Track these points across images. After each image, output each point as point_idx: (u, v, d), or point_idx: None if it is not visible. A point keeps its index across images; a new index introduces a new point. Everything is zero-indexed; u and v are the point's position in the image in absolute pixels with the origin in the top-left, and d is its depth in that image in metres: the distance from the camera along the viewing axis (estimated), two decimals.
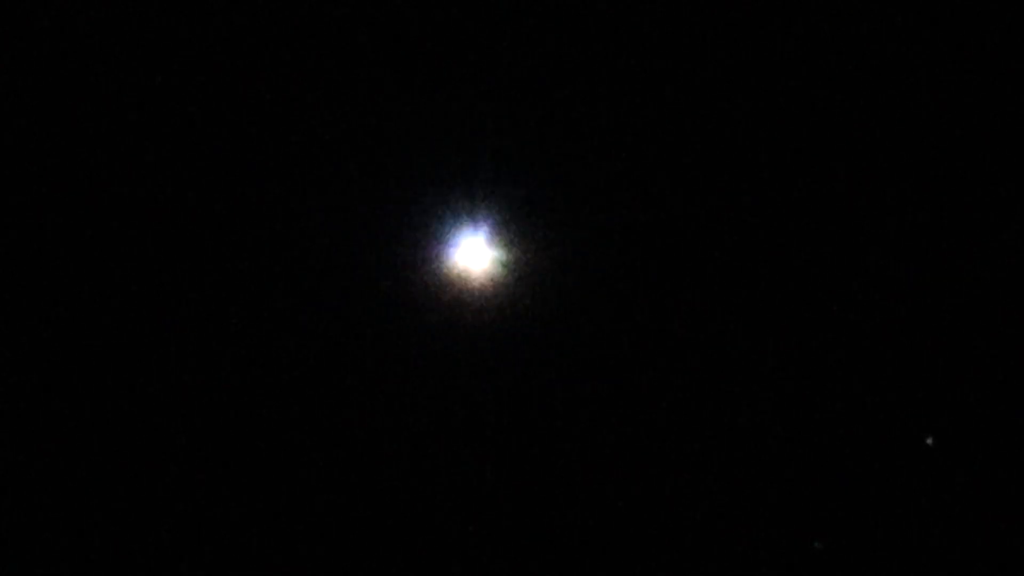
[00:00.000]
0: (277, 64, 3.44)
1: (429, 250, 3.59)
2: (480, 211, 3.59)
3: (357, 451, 3.68)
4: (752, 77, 3.50)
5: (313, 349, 3.63)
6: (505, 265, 3.62)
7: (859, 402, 3.69)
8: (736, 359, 3.70)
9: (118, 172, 3.47)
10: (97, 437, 3.55)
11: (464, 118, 3.54)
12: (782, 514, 3.71)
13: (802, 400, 3.70)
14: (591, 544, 3.74)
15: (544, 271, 3.65)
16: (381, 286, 3.58)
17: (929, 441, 3.60)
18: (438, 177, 3.56)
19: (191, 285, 3.53)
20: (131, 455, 3.56)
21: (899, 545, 3.66)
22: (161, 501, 3.58)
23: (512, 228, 3.61)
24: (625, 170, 3.62)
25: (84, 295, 3.50)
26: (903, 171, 3.60)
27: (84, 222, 3.47)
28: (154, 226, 3.49)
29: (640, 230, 3.65)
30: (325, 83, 3.47)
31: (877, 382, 3.70)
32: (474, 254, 3.62)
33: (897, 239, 3.64)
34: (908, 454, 3.66)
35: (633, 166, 3.62)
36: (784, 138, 3.57)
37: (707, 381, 3.71)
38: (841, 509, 3.70)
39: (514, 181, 3.60)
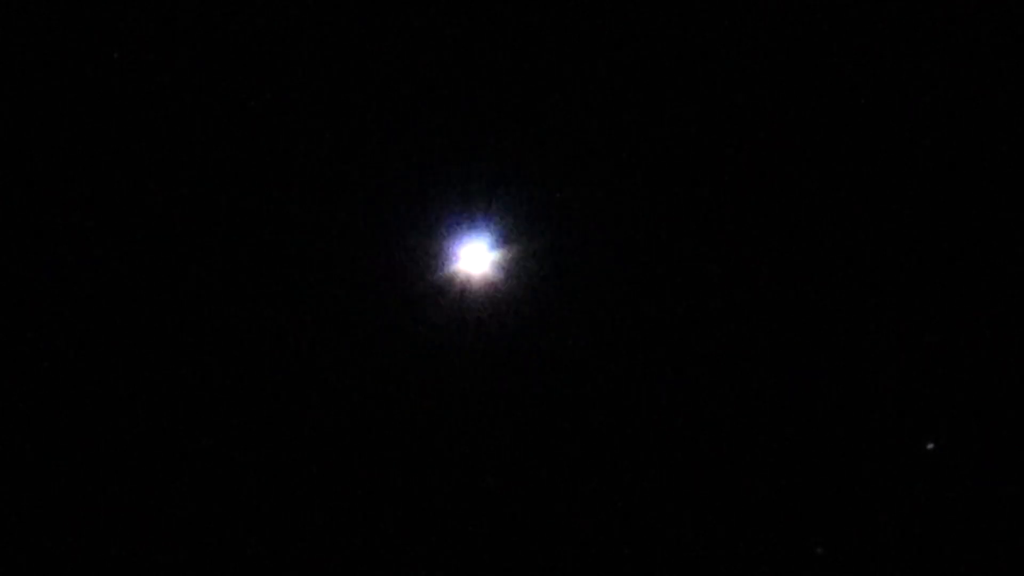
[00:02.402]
0: (280, 66, 3.44)
1: (431, 254, 3.59)
2: (482, 215, 3.59)
3: (358, 454, 3.68)
4: (751, 78, 3.49)
5: (315, 352, 3.63)
6: (507, 269, 3.62)
7: (858, 404, 3.69)
8: (739, 362, 3.70)
9: (117, 172, 3.48)
10: (96, 437, 3.55)
11: (466, 122, 3.53)
12: (783, 516, 3.71)
13: (804, 403, 3.70)
14: (591, 548, 3.74)
15: (546, 274, 3.65)
16: (383, 290, 3.57)
17: (930, 446, 3.59)
18: (440, 181, 3.56)
19: (195, 289, 3.53)
20: (129, 456, 3.57)
21: (898, 547, 3.65)
22: (159, 503, 3.58)
23: (514, 232, 3.61)
24: (627, 174, 3.61)
25: (82, 295, 3.51)
26: (903, 171, 3.60)
27: (83, 221, 3.48)
28: (154, 228, 3.49)
29: (643, 233, 3.64)
30: (328, 87, 3.47)
31: (876, 384, 3.69)
32: (476, 258, 3.62)
33: (897, 239, 3.63)
34: (907, 457, 3.66)
35: (635, 170, 3.61)
36: (785, 140, 3.56)
37: (709, 384, 3.71)
38: (841, 512, 3.69)
39: (516, 185, 3.60)
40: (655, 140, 3.57)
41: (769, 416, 3.70)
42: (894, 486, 3.67)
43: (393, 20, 3.41)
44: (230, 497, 3.63)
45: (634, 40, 3.46)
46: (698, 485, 3.72)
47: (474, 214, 3.58)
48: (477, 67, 3.47)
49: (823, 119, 3.55)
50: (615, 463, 3.74)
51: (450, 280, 3.60)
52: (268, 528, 3.65)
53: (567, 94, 3.52)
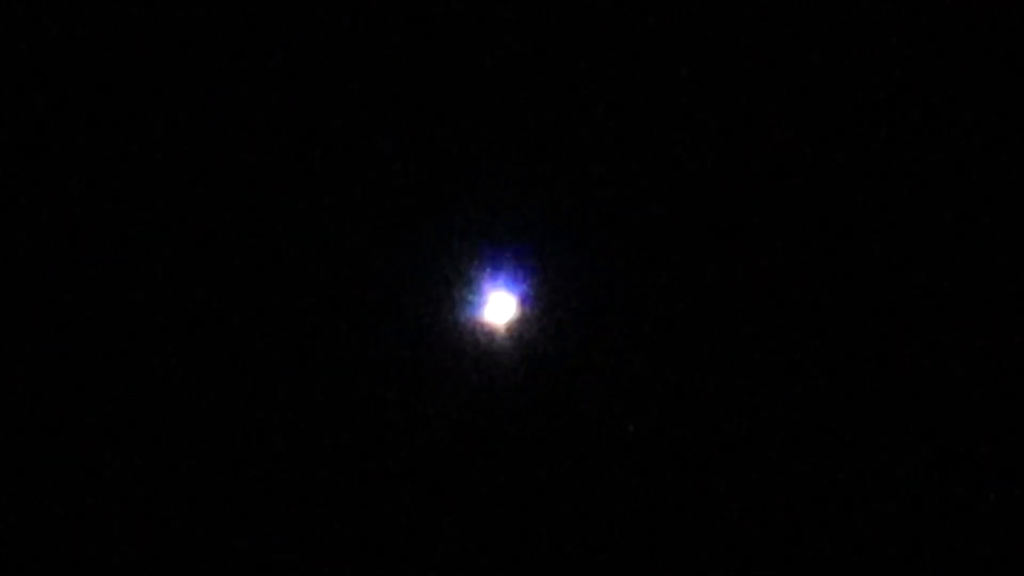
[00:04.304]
0: (307, 131, 3.42)
1: (455, 307, 3.55)
2: (508, 266, 3.55)
3: (373, 510, 3.64)
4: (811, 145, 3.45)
5: (334, 409, 3.58)
6: (532, 321, 3.57)
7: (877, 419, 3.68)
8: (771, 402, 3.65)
9: (119, 182, 3.47)
10: (94, 437, 3.56)
11: (490, 172, 3.50)
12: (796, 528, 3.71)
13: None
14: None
15: (573, 327, 3.59)
16: (405, 343, 3.53)
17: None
18: (465, 233, 3.52)
19: (227, 350, 3.51)
20: (127, 462, 3.57)
21: (898, 546, 3.66)
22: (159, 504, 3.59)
23: (541, 283, 3.57)
24: (658, 224, 3.56)
25: (79, 295, 3.51)
26: (903, 171, 3.60)
27: (81, 222, 3.48)
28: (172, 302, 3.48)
29: (674, 285, 3.59)
30: (353, 146, 3.45)
31: (880, 385, 3.69)
32: (501, 310, 3.59)
33: (897, 239, 3.63)
34: (906, 456, 3.66)
35: (667, 221, 3.56)
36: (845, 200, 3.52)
37: (738, 437, 3.66)
38: (841, 513, 3.70)
39: (543, 237, 3.55)
40: (687, 195, 3.52)
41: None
42: (893, 486, 3.67)
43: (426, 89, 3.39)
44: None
45: (669, 104, 3.42)
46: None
47: (500, 266, 3.54)
48: (509, 119, 3.45)
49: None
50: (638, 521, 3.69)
51: (474, 335, 3.56)
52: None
53: (597, 147, 3.49)
